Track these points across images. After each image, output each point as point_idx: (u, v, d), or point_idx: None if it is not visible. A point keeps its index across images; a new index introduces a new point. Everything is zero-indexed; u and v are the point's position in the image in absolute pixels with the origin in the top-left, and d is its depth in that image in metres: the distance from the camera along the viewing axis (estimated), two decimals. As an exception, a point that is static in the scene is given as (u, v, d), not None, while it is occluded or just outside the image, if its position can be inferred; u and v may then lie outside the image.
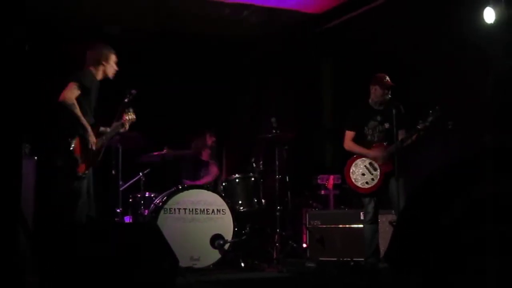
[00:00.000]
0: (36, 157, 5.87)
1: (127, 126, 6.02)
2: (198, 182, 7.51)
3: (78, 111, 5.53)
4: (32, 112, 5.70)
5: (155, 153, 7.17)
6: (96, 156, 5.74)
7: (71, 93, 5.54)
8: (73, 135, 5.55)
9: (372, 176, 6.23)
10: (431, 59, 7.43)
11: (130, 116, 6.06)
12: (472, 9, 6.82)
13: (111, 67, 5.95)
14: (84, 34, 7.59)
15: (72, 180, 5.54)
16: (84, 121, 5.57)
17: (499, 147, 2.02)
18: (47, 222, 5.63)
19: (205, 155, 7.97)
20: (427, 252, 1.74)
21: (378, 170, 6.21)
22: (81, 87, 5.61)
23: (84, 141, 5.59)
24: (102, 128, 5.90)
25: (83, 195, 5.64)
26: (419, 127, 6.05)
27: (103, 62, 5.90)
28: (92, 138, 5.63)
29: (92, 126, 5.72)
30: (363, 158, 6.30)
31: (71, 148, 5.51)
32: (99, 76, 5.90)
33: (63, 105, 5.51)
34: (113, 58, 5.98)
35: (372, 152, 6.26)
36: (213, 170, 7.60)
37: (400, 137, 6.14)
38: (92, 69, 5.86)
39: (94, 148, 5.64)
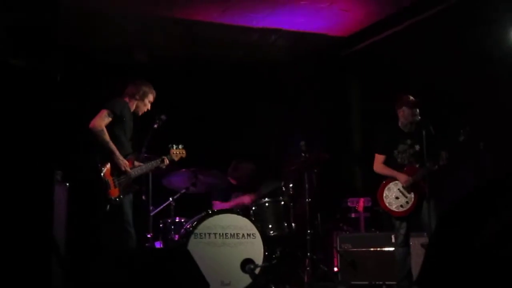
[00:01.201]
0: (68, 184, 5.93)
1: (166, 162, 6.18)
2: (227, 204, 7.51)
3: (106, 137, 5.63)
4: (64, 139, 5.82)
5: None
6: (131, 182, 5.84)
7: (101, 120, 5.66)
8: (104, 160, 5.64)
9: (407, 199, 6.17)
10: (459, 79, 7.39)
11: (177, 151, 6.21)
12: (500, 29, 6.78)
13: (144, 105, 6.11)
14: (114, 61, 7.71)
15: (105, 204, 5.60)
16: (112, 145, 5.66)
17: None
18: (80, 248, 5.68)
19: (241, 182, 7.92)
20: (460, 276, 1.72)
21: (412, 193, 6.15)
22: (113, 114, 5.73)
23: (115, 166, 5.67)
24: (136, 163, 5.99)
25: (121, 221, 5.70)
26: (450, 147, 6.00)
27: (137, 97, 6.05)
28: (123, 161, 5.71)
29: (128, 154, 5.82)
30: (396, 181, 6.25)
31: (102, 173, 5.58)
32: (132, 108, 6.04)
33: (92, 131, 5.62)
34: (149, 97, 6.13)
35: (402, 176, 6.20)
36: (246, 199, 7.58)
37: (430, 161, 6.07)
38: (127, 100, 6.02)
39: (126, 170, 5.71)
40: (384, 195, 6.29)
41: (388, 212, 6.28)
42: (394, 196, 6.23)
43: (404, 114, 6.29)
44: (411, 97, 6.27)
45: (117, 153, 5.68)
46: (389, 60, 8.52)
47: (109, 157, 5.66)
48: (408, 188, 6.16)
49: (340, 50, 9.26)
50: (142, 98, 6.08)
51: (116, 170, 5.69)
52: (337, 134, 9.51)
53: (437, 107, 7.19)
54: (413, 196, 6.14)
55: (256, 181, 7.94)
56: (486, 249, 1.70)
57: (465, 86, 7.33)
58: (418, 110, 6.23)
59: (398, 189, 6.23)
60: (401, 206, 6.19)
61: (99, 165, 5.60)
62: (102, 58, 8.03)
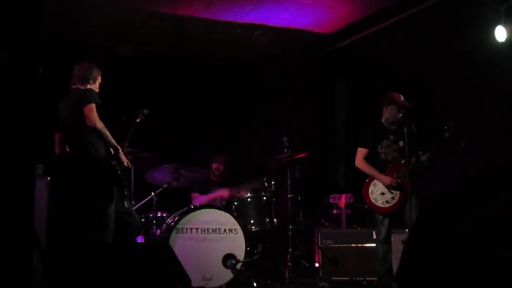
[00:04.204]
0: (49, 178, 5.88)
1: None
2: (206, 196, 7.54)
3: (108, 133, 5.47)
4: (45, 132, 5.77)
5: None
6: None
7: (96, 115, 5.44)
8: (113, 158, 5.53)
9: (392, 195, 6.19)
10: (443, 77, 7.43)
11: None
12: (484, 28, 6.82)
13: (95, 88, 5.76)
14: (97, 55, 7.67)
15: (121, 200, 5.60)
16: (115, 141, 5.52)
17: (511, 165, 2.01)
18: (63, 243, 5.64)
19: (214, 176, 7.97)
20: (435, 273, 1.73)
21: (398, 189, 6.18)
22: (97, 106, 5.53)
23: (119, 162, 5.58)
24: None
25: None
26: (434, 144, 6.04)
27: (91, 81, 5.71)
28: (125, 157, 5.62)
29: None
30: None
31: (119, 171, 5.51)
32: None
33: (95, 130, 5.44)
34: (99, 80, 5.81)
35: (382, 178, 6.22)
36: (224, 192, 7.63)
37: (415, 157, 6.11)
38: (80, 86, 5.67)
39: (130, 165, 5.65)
40: (370, 190, 6.30)
41: (373, 208, 6.30)
42: (380, 192, 6.25)
43: (391, 112, 6.30)
44: (402, 98, 6.29)
45: (120, 149, 5.57)
46: (374, 57, 8.55)
47: (113, 154, 5.53)
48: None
49: (325, 46, 9.27)
50: (95, 82, 5.73)
51: (120, 166, 5.58)
52: (320, 131, 9.53)
53: (421, 104, 7.23)
54: (398, 192, 6.17)
55: (231, 173, 7.97)
56: (463, 249, 1.72)
57: (449, 83, 7.38)
58: (403, 111, 6.26)
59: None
60: (387, 202, 6.21)
61: (114, 164, 5.49)
62: (86, 52, 7.99)
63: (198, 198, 7.55)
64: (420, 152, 6.09)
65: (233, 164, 8.09)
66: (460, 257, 1.70)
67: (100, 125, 5.44)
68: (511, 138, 6.58)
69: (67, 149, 5.77)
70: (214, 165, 7.95)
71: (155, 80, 8.39)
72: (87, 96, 5.57)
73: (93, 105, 5.47)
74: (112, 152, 5.56)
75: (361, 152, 6.41)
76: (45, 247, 5.35)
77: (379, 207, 6.24)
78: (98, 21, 7.77)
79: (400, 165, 6.19)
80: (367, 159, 6.38)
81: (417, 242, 1.86)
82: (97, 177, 5.52)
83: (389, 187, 6.18)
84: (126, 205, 5.70)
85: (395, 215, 6.23)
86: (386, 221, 6.21)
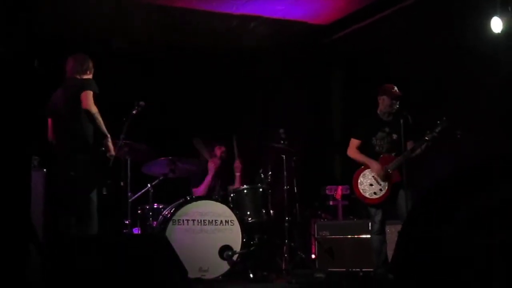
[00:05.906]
0: (44, 169, 5.88)
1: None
2: (202, 186, 7.54)
3: (101, 119, 5.57)
4: (41, 125, 5.77)
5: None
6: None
7: (92, 102, 5.56)
8: (101, 144, 5.60)
9: (380, 187, 6.21)
10: (439, 68, 7.44)
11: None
12: (480, 19, 6.82)
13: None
14: (92, 48, 7.65)
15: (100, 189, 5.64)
16: (105, 129, 5.60)
17: (506, 155, 2.02)
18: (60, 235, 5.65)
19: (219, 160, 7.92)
20: (431, 261, 1.74)
21: (386, 181, 6.20)
22: (95, 95, 5.64)
23: (106, 150, 5.64)
24: None
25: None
26: (427, 137, 6.05)
27: (88, 72, 5.86)
28: (112, 146, 5.67)
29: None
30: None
31: (107, 158, 5.58)
32: None
33: (90, 114, 5.54)
34: (92, 71, 5.95)
35: (374, 166, 6.23)
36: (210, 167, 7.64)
37: (408, 148, 6.13)
38: (77, 76, 5.82)
39: (112, 154, 5.67)
40: (359, 181, 6.32)
41: (361, 199, 6.32)
42: (369, 183, 6.27)
43: (383, 103, 6.33)
44: (395, 88, 6.30)
45: (109, 137, 5.64)
46: (370, 49, 8.54)
47: (102, 141, 5.60)
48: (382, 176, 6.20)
49: (321, 38, 9.25)
50: (91, 72, 5.89)
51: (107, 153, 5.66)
52: (317, 122, 9.53)
53: (417, 95, 7.24)
54: (386, 184, 6.19)
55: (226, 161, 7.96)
56: (457, 236, 1.72)
57: (445, 74, 7.38)
58: (398, 102, 6.27)
59: (373, 176, 6.26)
60: (375, 193, 6.22)
61: (102, 150, 5.57)
62: (81, 45, 7.95)
63: (199, 189, 7.54)
64: (412, 145, 6.11)
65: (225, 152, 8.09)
66: (456, 244, 1.70)
67: (94, 109, 5.55)
68: (507, 129, 6.59)
69: (55, 135, 5.84)
70: (219, 150, 7.87)
71: (150, 72, 8.37)
72: (87, 84, 5.69)
73: (91, 92, 5.60)
74: (103, 139, 5.62)
75: (354, 142, 6.43)
76: (42, 239, 5.35)
77: (367, 198, 6.26)
78: (93, 14, 7.73)
79: (391, 157, 6.21)
80: (362, 151, 6.39)
81: (412, 232, 1.87)
82: (86, 162, 5.59)
83: (377, 177, 6.20)
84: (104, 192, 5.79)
85: (387, 206, 6.25)
86: (379, 212, 6.23)
